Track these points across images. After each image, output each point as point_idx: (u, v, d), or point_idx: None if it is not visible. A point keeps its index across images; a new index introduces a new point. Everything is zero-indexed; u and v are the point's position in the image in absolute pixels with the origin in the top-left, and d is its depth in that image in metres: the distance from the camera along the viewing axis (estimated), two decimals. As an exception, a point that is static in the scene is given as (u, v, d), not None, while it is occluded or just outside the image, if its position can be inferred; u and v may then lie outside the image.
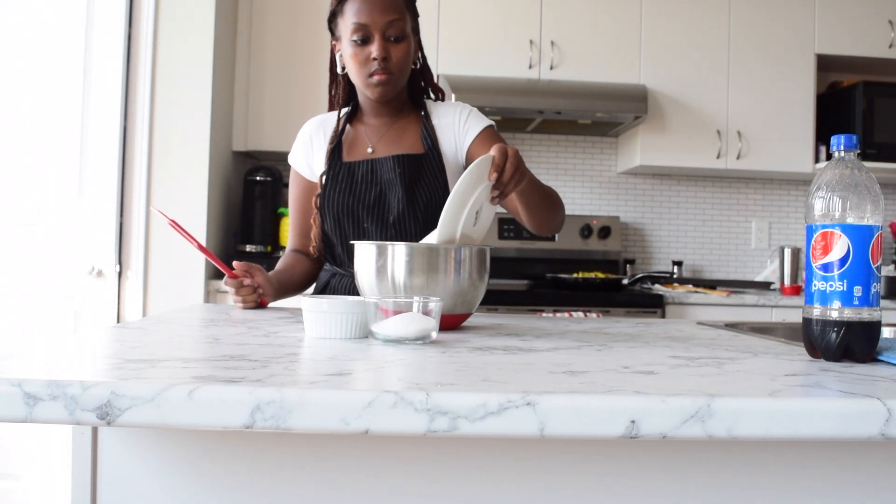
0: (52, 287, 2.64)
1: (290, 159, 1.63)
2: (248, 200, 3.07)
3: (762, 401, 0.64)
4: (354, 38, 1.44)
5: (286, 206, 3.17)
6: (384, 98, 1.51)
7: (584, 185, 3.59)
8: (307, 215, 1.60)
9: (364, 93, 1.53)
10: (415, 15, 1.52)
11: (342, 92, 1.59)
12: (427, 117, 1.57)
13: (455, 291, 1.12)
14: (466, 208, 1.13)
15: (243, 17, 3.10)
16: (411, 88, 1.61)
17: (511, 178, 1.12)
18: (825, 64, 3.40)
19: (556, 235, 3.42)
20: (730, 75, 3.24)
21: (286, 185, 3.25)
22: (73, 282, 2.65)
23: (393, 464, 0.81)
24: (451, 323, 1.16)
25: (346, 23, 1.44)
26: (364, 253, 1.15)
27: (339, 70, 1.55)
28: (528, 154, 3.56)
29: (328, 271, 1.61)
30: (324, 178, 1.54)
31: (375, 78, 1.45)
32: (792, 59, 3.27)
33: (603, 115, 3.11)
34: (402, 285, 1.11)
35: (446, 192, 1.50)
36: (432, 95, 1.64)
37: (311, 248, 1.59)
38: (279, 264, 1.59)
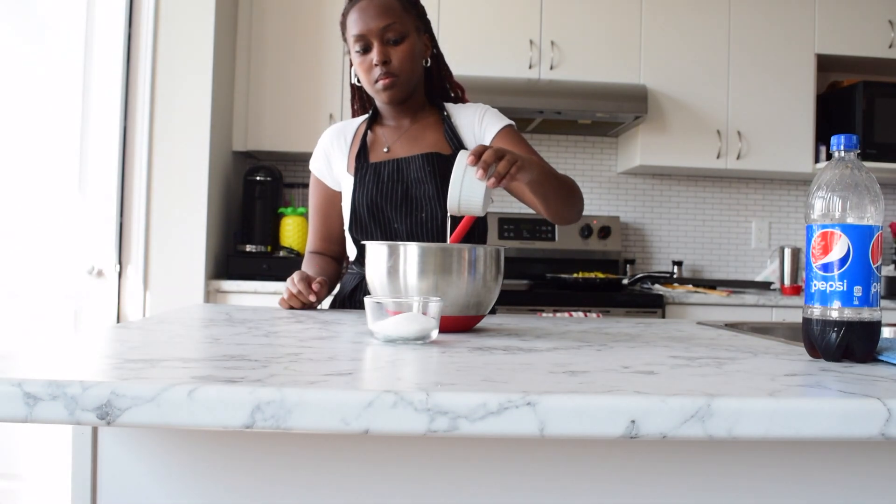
0: (53, 287, 2.64)
1: (312, 165, 1.65)
2: (248, 200, 3.07)
3: (762, 401, 0.64)
4: (356, 48, 1.49)
5: (286, 206, 3.17)
6: (393, 100, 1.53)
7: (584, 185, 3.58)
8: (328, 220, 1.64)
9: (375, 98, 1.56)
10: (419, 14, 1.54)
11: (359, 101, 1.66)
12: (448, 118, 1.59)
13: (468, 293, 1.09)
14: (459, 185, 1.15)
15: (243, 17, 3.10)
16: (429, 88, 1.62)
17: (495, 162, 1.13)
18: (825, 64, 3.40)
19: (556, 235, 3.42)
20: (730, 75, 3.24)
21: (287, 185, 3.28)
22: (73, 281, 2.65)
23: (393, 464, 0.81)
24: (464, 325, 1.13)
25: (349, 36, 1.50)
26: (375, 253, 1.12)
27: (353, 81, 1.60)
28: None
29: (355, 274, 1.61)
30: (352, 180, 1.57)
31: (380, 83, 1.49)
32: (792, 59, 3.27)
33: (603, 115, 3.11)
34: (414, 287, 1.07)
35: None
36: (451, 93, 1.65)
37: (332, 251, 1.65)
38: (314, 266, 1.61)
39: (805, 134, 3.26)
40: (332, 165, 1.62)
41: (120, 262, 2.69)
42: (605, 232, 3.43)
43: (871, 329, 0.85)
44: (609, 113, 3.10)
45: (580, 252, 3.43)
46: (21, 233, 2.64)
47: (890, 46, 3.30)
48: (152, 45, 2.72)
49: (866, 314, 0.84)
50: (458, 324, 1.12)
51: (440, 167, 1.51)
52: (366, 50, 1.48)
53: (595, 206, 3.59)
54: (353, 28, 1.48)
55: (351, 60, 1.57)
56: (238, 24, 3.10)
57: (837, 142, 0.89)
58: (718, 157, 3.22)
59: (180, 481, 0.81)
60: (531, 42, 3.16)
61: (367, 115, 1.64)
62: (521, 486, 0.82)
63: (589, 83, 3.13)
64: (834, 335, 0.85)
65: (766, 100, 3.25)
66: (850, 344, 0.85)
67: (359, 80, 1.57)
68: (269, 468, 0.81)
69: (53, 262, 2.64)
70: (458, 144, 1.56)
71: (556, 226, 3.43)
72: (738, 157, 3.23)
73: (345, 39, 1.55)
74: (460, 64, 3.16)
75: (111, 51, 2.68)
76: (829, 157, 3.34)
